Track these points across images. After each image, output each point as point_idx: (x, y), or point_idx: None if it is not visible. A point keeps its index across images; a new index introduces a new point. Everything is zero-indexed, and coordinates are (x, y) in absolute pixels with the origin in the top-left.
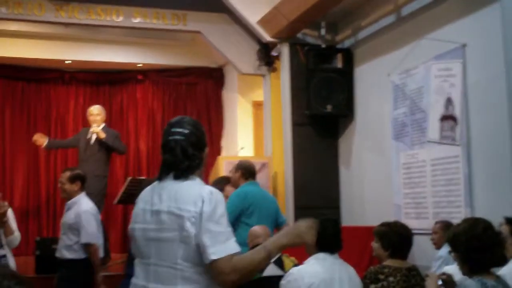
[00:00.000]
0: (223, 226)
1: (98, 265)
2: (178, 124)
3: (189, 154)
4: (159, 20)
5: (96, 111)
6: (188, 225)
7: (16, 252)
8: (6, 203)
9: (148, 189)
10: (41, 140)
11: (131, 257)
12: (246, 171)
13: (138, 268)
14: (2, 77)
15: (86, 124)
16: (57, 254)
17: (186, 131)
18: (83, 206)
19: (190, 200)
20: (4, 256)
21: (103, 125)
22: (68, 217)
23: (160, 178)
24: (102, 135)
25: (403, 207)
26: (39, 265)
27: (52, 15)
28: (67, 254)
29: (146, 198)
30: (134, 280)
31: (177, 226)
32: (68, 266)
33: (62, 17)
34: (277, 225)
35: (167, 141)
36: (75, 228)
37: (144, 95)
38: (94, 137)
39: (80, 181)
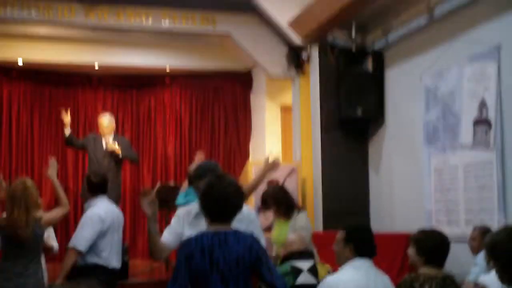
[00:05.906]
0: None
1: (65, 270)
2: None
3: None
4: (188, 22)
5: (106, 123)
6: None
7: None
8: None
9: None
10: (67, 119)
11: None
12: None
13: None
14: (30, 81)
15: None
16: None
17: None
18: (90, 210)
19: None
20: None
21: (112, 135)
22: None
23: None
24: (119, 152)
25: (434, 213)
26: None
27: (82, 18)
28: (79, 260)
29: None
30: None
31: None
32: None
33: (92, 19)
34: None
35: None
36: None
37: (171, 99)
38: (106, 146)
39: (87, 182)
